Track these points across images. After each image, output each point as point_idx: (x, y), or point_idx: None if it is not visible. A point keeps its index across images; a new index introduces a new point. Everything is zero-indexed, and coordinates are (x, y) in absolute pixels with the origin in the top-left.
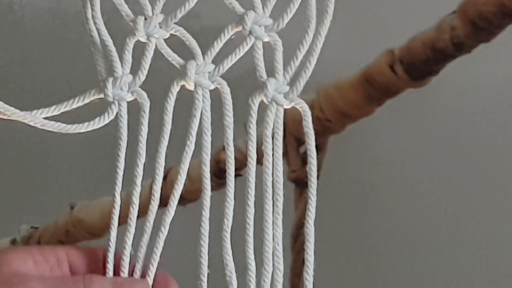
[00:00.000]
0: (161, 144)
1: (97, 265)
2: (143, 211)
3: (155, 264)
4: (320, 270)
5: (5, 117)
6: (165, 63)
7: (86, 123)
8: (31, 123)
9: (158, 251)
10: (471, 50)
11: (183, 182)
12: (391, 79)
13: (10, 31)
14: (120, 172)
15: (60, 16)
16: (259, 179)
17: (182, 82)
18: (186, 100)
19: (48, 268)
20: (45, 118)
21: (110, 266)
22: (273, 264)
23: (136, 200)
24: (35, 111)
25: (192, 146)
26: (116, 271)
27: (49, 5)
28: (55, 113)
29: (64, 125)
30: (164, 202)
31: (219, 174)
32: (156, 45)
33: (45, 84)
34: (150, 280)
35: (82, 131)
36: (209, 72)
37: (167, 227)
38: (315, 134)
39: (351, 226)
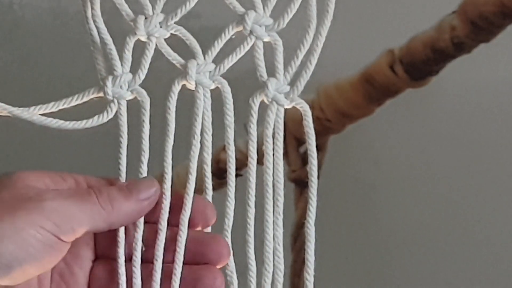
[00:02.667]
0: (167, 143)
1: None
2: None
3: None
4: (320, 270)
5: (3, 114)
6: (165, 63)
7: (84, 121)
8: (29, 120)
9: (180, 255)
10: (471, 50)
11: (194, 181)
12: (391, 79)
13: (10, 31)
14: (123, 169)
15: (60, 16)
16: (260, 179)
17: (183, 82)
18: (184, 100)
19: (66, 187)
20: (44, 115)
21: (121, 261)
22: (274, 264)
23: None
24: (32, 107)
25: (198, 145)
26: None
27: (49, 5)
28: (53, 109)
29: (62, 121)
30: None
31: (219, 174)
32: (156, 45)
33: (45, 84)
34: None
35: (80, 128)
36: (210, 72)
37: (187, 227)
38: (315, 134)
39: (351, 226)
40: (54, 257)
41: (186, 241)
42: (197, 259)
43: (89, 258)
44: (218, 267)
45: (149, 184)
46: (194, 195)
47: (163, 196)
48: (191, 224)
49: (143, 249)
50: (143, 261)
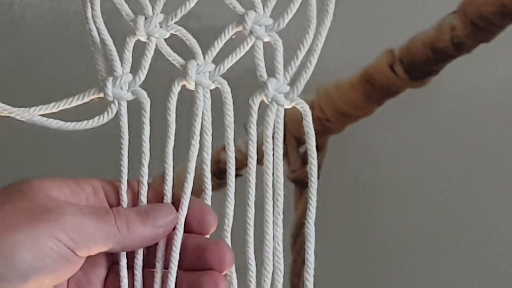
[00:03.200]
0: (167, 144)
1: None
2: None
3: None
4: (320, 270)
5: (3, 114)
6: (166, 63)
7: (85, 122)
8: (29, 121)
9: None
10: (471, 50)
11: (192, 180)
12: (391, 79)
13: (10, 31)
14: (125, 171)
15: (60, 16)
16: (260, 179)
17: (183, 82)
18: (184, 100)
19: (85, 197)
20: (44, 116)
21: (123, 264)
22: (274, 264)
23: (144, 199)
24: (33, 108)
25: (197, 145)
26: None
27: (49, 5)
28: (53, 110)
29: (62, 122)
30: None
31: (219, 174)
32: (156, 45)
33: (45, 84)
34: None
35: (80, 128)
36: (210, 72)
37: (183, 226)
38: (315, 134)
39: (351, 226)
40: (70, 269)
41: (183, 242)
42: (199, 265)
43: (104, 265)
44: (222, 273)
45: (167, 212)
46: (192, 199)
47: (165, 197)
48: (190, 231)
49: (144, 251)
50: (145, 265)
